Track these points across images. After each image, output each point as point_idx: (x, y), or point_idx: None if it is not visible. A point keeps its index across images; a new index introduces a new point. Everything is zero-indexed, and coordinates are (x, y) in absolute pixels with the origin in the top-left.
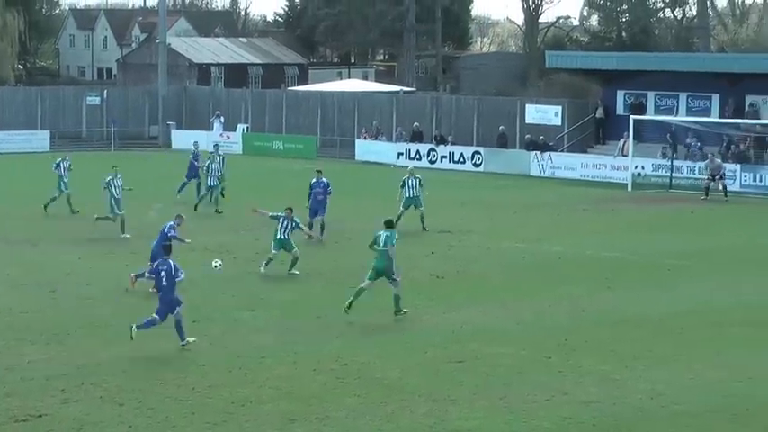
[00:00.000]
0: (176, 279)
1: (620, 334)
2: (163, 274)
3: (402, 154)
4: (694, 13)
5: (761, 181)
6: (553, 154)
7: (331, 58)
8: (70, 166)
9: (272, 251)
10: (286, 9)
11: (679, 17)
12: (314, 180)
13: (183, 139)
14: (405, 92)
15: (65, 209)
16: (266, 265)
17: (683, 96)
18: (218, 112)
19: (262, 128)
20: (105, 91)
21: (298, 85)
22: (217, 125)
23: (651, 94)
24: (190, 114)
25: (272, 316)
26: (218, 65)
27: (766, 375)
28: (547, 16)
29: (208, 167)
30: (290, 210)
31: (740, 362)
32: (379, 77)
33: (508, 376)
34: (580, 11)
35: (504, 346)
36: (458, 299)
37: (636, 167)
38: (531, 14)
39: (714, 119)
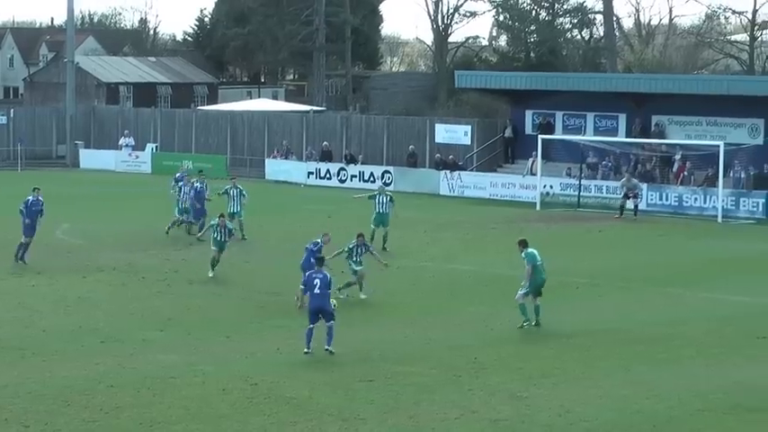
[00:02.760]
0: (329, 290)
1: (528, 352)
2: (317, 281)
3: (312, 173)
4: (601, 34)
5: (666, 200)
6: (463, 173)
7: (241, 78)
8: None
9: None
10: (195, 28)
11: (586, 38)
12: (31, 198)
13: (91, 158)
14: (315, 111)
15: None
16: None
17: (590, 116)
18: (126, 131)
19: (171, 147)
20: (12, 110)
21: (207, 104)
22: (126, 144)
23: (559, 114)
24: (98, 134)
25: (181, 336)
26: (126, 84)
27: (671, 392)
28: (456, 36)
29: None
30: (362, 235)
31: (646, 379)
32: (289, 97)
33: (418, 395)
34: (489, 31)
35: (413, 364)
36: (367, 318)
37: (544, 186)
38: (441, 34)
39: (621, 138)
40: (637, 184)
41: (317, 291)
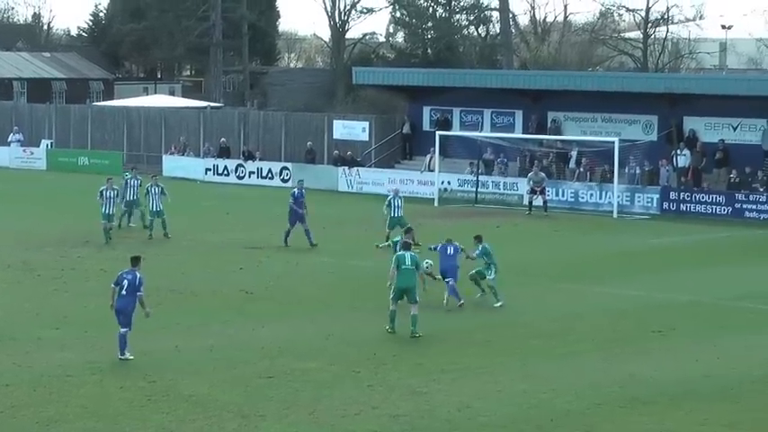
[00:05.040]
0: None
1: (427, 348)
2: (125, 282)
3: (210, 169)
4: (497, 31)
5: (563, 195)
6: (361, 169)
7: (137, 74)
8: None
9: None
10: (90, 23)
11: (483, 34)
12: None
13: None
14: (212, 107)
15: None
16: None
17: (487, 112)
18: (16, 127)
19: (66, 143)
20: None
21: (103, 100)
22: (14, 140)
23: (457, 111)
24: None
25: (78, 334)
26: (20, 79)
27: (569, 386)
28: (353, 32)
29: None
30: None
31: (544, 373)
32: (186, 93)
33: (317, 391)
34: (386, 27)
35: (313, 360)
36: (267, 314)
37: (442, 183)
38: (338, 31)
39: (518, 134)
40: (544, 178)
41: (123, 292)
